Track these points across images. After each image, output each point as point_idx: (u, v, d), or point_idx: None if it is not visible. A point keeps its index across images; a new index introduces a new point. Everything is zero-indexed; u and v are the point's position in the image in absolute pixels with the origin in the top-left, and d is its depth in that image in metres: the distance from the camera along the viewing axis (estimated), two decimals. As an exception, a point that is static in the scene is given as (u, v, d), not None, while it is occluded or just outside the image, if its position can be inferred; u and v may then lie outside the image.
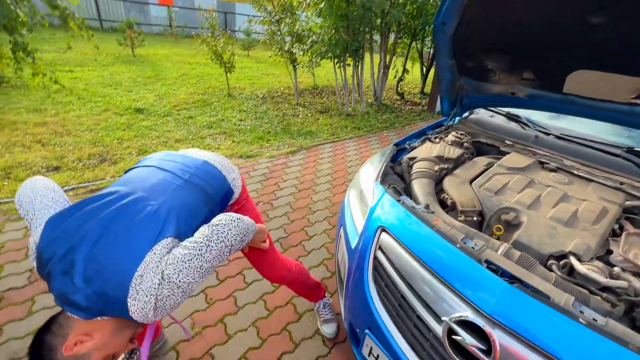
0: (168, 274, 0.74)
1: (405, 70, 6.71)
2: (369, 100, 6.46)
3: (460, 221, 1.16)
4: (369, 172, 1.50)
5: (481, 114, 1.92)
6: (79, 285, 0.72)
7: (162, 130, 4.13)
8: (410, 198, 1.28)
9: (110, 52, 8.71)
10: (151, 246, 0.77)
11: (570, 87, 1.34)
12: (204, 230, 0.83)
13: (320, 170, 3.34)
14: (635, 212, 1.21)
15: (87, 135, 3.73)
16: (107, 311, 0.75)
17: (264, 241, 1.12)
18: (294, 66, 5.69)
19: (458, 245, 0.96)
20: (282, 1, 5.11)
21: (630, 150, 1.37)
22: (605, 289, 0.91)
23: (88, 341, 0.76)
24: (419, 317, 0.95)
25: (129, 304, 0.73)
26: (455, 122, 1.89)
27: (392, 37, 6.14)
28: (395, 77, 6.90)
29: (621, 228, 1.14)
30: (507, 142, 1.61)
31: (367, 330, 1.10)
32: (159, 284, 0.73)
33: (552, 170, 1.41)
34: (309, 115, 5.31)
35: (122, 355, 1.08)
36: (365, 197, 1.38)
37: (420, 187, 1.34)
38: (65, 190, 2.33)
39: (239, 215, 0.89)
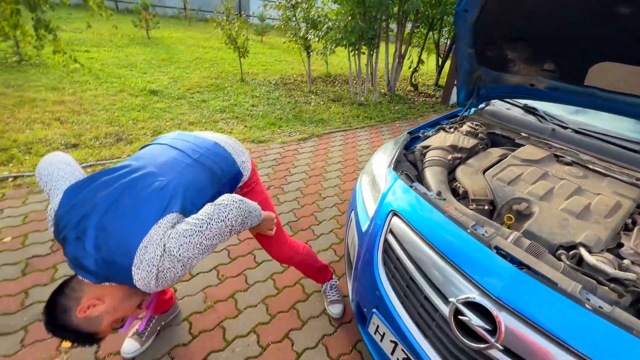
0: (169, 247, 0.78)
1: (420, 61, 6.59)
2: (382, 91, 6.39)
3: (471, 209, 1.17)
4: (382, 159, 1.52)
5: (497, 105, 1.90)
6: (90, 251, 0.77)
7: (176, 112, 4.18)
8: (423, 185, 1.30)
9: (126, 34, 8.75)
10: (157, 220, 0.81)
11: (591, 79, 1.32)
12: (206, 208, 0.86)
13: (331, 158, 3.36)
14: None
15: (103, 114, 3.80)
16: (114, 278, 0.81)
17: (270, 229, 1.15)
18: (308, 53, 5.64)
19: (468, 231, 0.98)
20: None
21: (649, 146, 1.35)
22: (614, 280, 0.92)
23: (99, 305, 0.82)
24: (426, 298, 0.98)
25: (133, 273, 0.77)
26: (470, 113, 1.88)
27: (408, 26, 6.01)
28: (409, 67, 6.79)
29: (634, 223, 1.14)
30: (523, 134, 1.60)
31: (374, 310, 1.14)
32: (160, 256, 0.77)
33: (567, 163, 1.40)
34: (321, 103, 5.30)
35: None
36: (378, 182, 1.40)
37: (432, 175, 1.35)
38: (83, 167, 2.41)
39: (241, 197, 0.91)
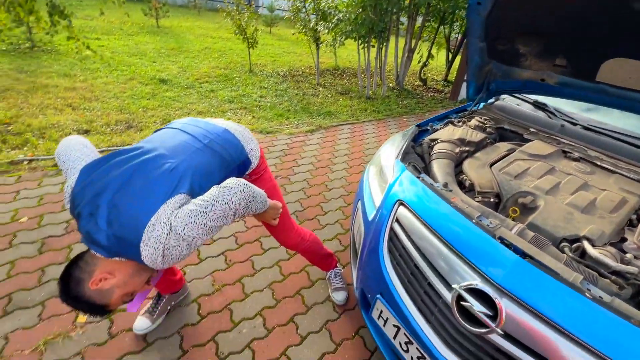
0: (175, 226, 0.81)
1: (430, 56, 6.52)
2: (391, 85, 6.35)
3: (477, 201, 1.19)
4: (390, 151, 1.54)
5: (507, 100, 1.90)
6: (102, 227, 0.81)
7: (185, 101, 4.22)
8: (429, 177, 1.32)
9: (135, 22, 8.78)
10: (165, 200, 0.84)
11: (603, 75, 1.32)
12: (212, 190, 0.89)
13: (337, 150, 3.37)
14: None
15: (114, 102, 3.85)
16: (124, 253, 0.85)
17: (275, 219, 1.17)
18: (317, 45, 5.62)
19: (473, 221, 1.00)
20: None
21: (659, 144, 1.35)
22: (615, 273, 0.93)
23: (111, 279, 0.86)
24: (430, 285, 1.01)
25: (141, 249, 0.81)
26: (479, 108, 1.88)
27: (419, 19, 5.95)
28: (419, 62, 6.73)
29: (639, 219, 1.15)
30: (532, 129, 1.61)
31: (378, 295, 1.17)
32: (167, 234, 0.81)
33: (574, 159, 1.41)
34: (329, 95, 5.29)
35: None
36: (385, 173, 1.43)
37: (439, 167, 1.37)
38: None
39: (246, 182, 0.94)
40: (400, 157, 1.41)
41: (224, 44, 8.05)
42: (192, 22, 10.69)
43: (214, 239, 1.96)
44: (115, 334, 1.38)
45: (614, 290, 0.87)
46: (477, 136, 1.55)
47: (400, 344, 1.10)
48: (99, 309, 0.88)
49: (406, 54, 5.86)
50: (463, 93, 5.77)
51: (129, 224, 0.81)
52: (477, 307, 0.88)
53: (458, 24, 6.86)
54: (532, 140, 1.53)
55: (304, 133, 3.70)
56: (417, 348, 1.02)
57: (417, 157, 1.50)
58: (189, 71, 5.47)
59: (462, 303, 0.91)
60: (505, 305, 0.84)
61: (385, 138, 3.91)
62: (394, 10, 4.85)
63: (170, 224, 0.81)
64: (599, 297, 0.80)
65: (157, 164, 0.90)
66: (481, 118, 1.72)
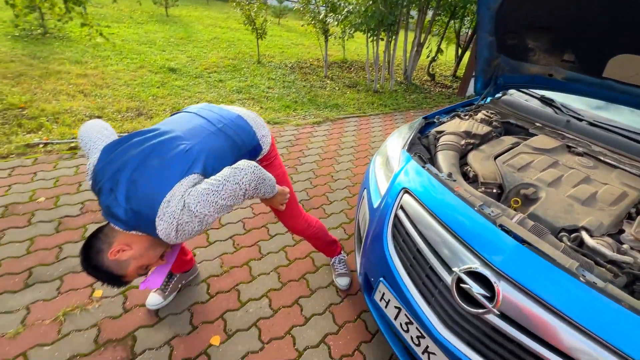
0: (188, 202, 0.86)
1: (439, 51, 6.47)
2: (398, 79, 6.33)
3: (480, 192, 1.23)
4: (396, 141, 1.57)
5: (514, 95, 1.91)
6: (121, 202, 0.87)
7: (193, 91, 4.26)
8: (434, 167, 1.35)
9: (145, 10, 8.80)
10: (180, 178, 0.90)
11: (610, 71, 1.33)
12: (224, 170, 0.94)
13: (344, 142, 3.41)
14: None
15: (124, 89, 3.91)
16: (141, 227, 0.90)
17: (282, 204, 1.22)
18: (326, 37, 5.60)
19: (475, 209, 1.04)
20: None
21: (663, 141, 1.37)
22: (611, 262, 0.97)
23: (128, 250, 0.92)
24: (431, 268, 1.06)
25: (156, 224, 0.86)
26: (486, 102, 1.90)
27: (429, 13, 5.89)
28: (427, 56, 6.68)
29: (638, 212, 1.18)
30: (537, 124, 1.63)
31: (381, 278, 1.22)
32: (180, 210, 0.86)
33: (578, 154, 1.43)
34: (337, 88, 5.30)
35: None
36: (391, 163, 1.46)
37: (444, 158, 1.41)
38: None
39: (257, 165, 0.98)
40: (406, 147, 1.45)
41: (233, 35, 8.05)
42: (201, 12, 10.68)
43: (222, 224, 2.02)
44: (129, 309, 1.45)
45: (609, 278, 0.91)
46: (483, 129, 1.58)
47: (400, 324, 1.15)
48: (116, 280, 0.94)
49: (415, 48, 5.83)
50: (471, 89, 5.74)
51: (146, 200, 0.86)
52: (475, 289, 0.92)
53: (469, 18, 6.78)
54: (537, 135, 1.55)
55: (311, 124, 3.74)
56: (416, 328, 1.08)
57: (423, 148, 1.54)
58: (198, 61, 5.50)
59: (462, 285, 0.95)
60: (502, 288, 0.89)
61: (391, 131, 3.92)
62: (405, 3, 4.82)
63: (184, 201, 0.86)
64: (593, 282, 0.84)
65: (173, 145, 0.95)
66: (488, 112, 1.74)
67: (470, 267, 0.95)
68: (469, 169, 1.39)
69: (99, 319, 1.39)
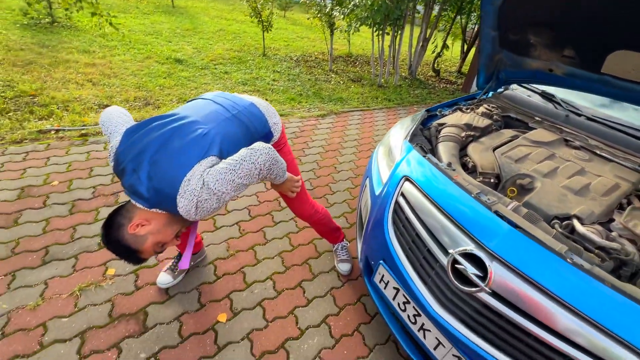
0: (207, 180, 0.92)
1: (445, 46, 6.46)
2: (403, 74, 6.34)
3: (478, 181, 1.28)
4: (399, 132, 1.62)
5: (515, 90, 1.95)
6: (143, 181, 0.93)
7: (199, 82, 4.31)
8: (435, 157, 1.41)
9: (151, 1, 8.81)
10: (199, 160, 0.96)
11: (609, 67, 1.37)
12: (241, 151, 1.01)
13: (347, 135, 3.46)
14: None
15: (132, 79, 3.96)
16: (162, 205, 0.96)
17: (292, 191, 1.29)
18: (331, 31, 5.61)
19: (472, 196, 1.10)
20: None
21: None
22: (600, 249, 1.02)
23: (147, 225, 0.99)
24: (428, 251, 1.12)
25: (177, 201, 0.93)
26: (488, 96, 1.94)
27: (436, 8, 5.88)
28: (433, 52, 6.67)
29: (629, 203, 1.23)
30: (537, 118, 1.67)
31: (381, 261, 1.29)
32: (200, 188, 0.92)
33: (575, 147, 1.48)
34: (341, 82, 5.33)
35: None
36: (393, 153, 1.52)
37: (445, 149, 1.46)
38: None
39: (271, 147, 1.05)
40: (408, 138, 1.50)
41: (238, 27, 8.06)
42: (206, 3, 10.66)
43: (228, 210, 2.09)
44: (140, 286, 1.53)
45: (596, 262, 0.96)
46: (484, 122, 1.63)
47: (398, 304, 1.21)
48: (133, 254, 1.01)
49: (420, 44, 5.83)
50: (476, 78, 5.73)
51: (167, 179, 0.93)
52: (469, 269, 0.98)
53: (475, 14, 6.75)
54: (536, 128, 1.59)
55: (315, 117, 3.78)
56: (413, 307, 1.14)
57: (424, 139, 1.59)
58: (204, 52, 5.54)
59: (457, 266, 1.01)
60: (495, 268, 0.95)
61: (395, 126, 3.96)
62: (411, -3, 4.82)
63: (203, 180, 0.93)
64: (580, 264, 0.90)
65: (192, 128, 1.01)
66: (489, 106, 1.78)
67: (466, 249, 1.01)
68: (469, 159, 1.44)
69: (112, 294, 1.47)
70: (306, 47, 7.36)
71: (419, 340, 1.16)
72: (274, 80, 4.87)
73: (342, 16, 5.13)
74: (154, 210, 0.98)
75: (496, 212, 1.05)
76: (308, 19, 6.12)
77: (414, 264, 1.17)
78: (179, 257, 1.60)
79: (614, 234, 1.09)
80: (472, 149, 1.47)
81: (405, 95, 5.18)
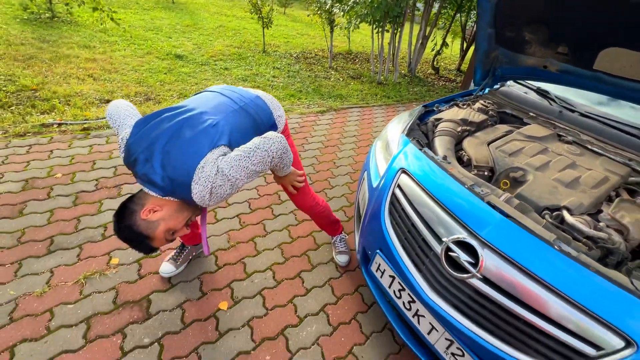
0: (222, 167, 0.96)
1: (444, 44, 6.49)
2: (402, 71, 6.37)
3: (472, 174, 1.32)
4: (397, 127, 1.66)
5: (511, 87, 1.99)
6: (157, 170, 0.97)
7: (200, 78, 4.33)
8: (431, 151, 1.44)
9: (151, -4, 8.78)
10: (210, 149, 1.00)
11: (601, 64, 1.41)
12: (255, 139, 1.05)
13: (346, 132, 3.49)
14: (636, 188, 1.33)
15: (132, 74, 3.98)
16: (175, 192, 1.00)
17: (294, 185, 1.33)
18: (331, 28, 5.63)
19: (466, 187, 1.14)
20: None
21: (646, 130, 1.46)
22: (588, 238, 1.07)
23: (158, 211, 1.02)
24: (423, 240, 1.16)
25: (192, 187, 0.96)
26: (485, 93, 1.98)
27: (436, 6, 5.89)
28: (432, 50, 6.70)
29: (617, 195, 1.27)
30: (531, 114, 1.71)
31: (378, 251, 1.33)
32: (215, 174, 0.96)
33: (567, 142, 1.52)
34: (341, 79, 5.36)
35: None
36: (391, 146, 1.56)
37: (441, 143, 1.50)
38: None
39: (283, 136, 1.09)
40: (405, 132, 1.54)
41: (238, 23, 8.06)
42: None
43: (229, 203, 2.13)
44: (143, 275, 1.57)
45: (583, 251, 1.01)
46: (479, 117, 1.66)
47: (394, 291, 1.26)
48: (145, 242, 1.03)
49: (420, 41, 5.85)
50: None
51: (181, 167, 0.96)
52: (462, 256, 1.03)
53: (475, 12, 6.76)
54: (531, 124, 1.64)
55: (314, 113, 3.82)
56: (408, 293, 1.18)
57: (421, 133, 1.63)
58: (204, 48, 5.55)
59: (450, 254, 1.06)
60: (486, 255, 0.99)
61: (394, 123, 4.00)
62: (411, -5, 4.84)
63: (217, 166, 0.96)
64: (567, 252, 0.94)
65: (201, 119, 1.04)
66: (485, 102, 1.82)
67: (459, 237, 1.05)
68: (464, 153, 1.49)
69: (116, 283, 1.51)
70: (306, 44, 7.38)
71: (413, 326, 1.21)
72: (273, 76, 4.89)
73: (342, 13, 5.15)
74: (166, 198, 1.02)
75: (489, 203, 1.09)
76: (308, 15, 6.14)
77: (409, 253, 1.21)
78: (182, 246, 1.64)
79: (601, 224, 1.13)
80: (467, 143, 1.51)
81: (404, 93, 5.21)
